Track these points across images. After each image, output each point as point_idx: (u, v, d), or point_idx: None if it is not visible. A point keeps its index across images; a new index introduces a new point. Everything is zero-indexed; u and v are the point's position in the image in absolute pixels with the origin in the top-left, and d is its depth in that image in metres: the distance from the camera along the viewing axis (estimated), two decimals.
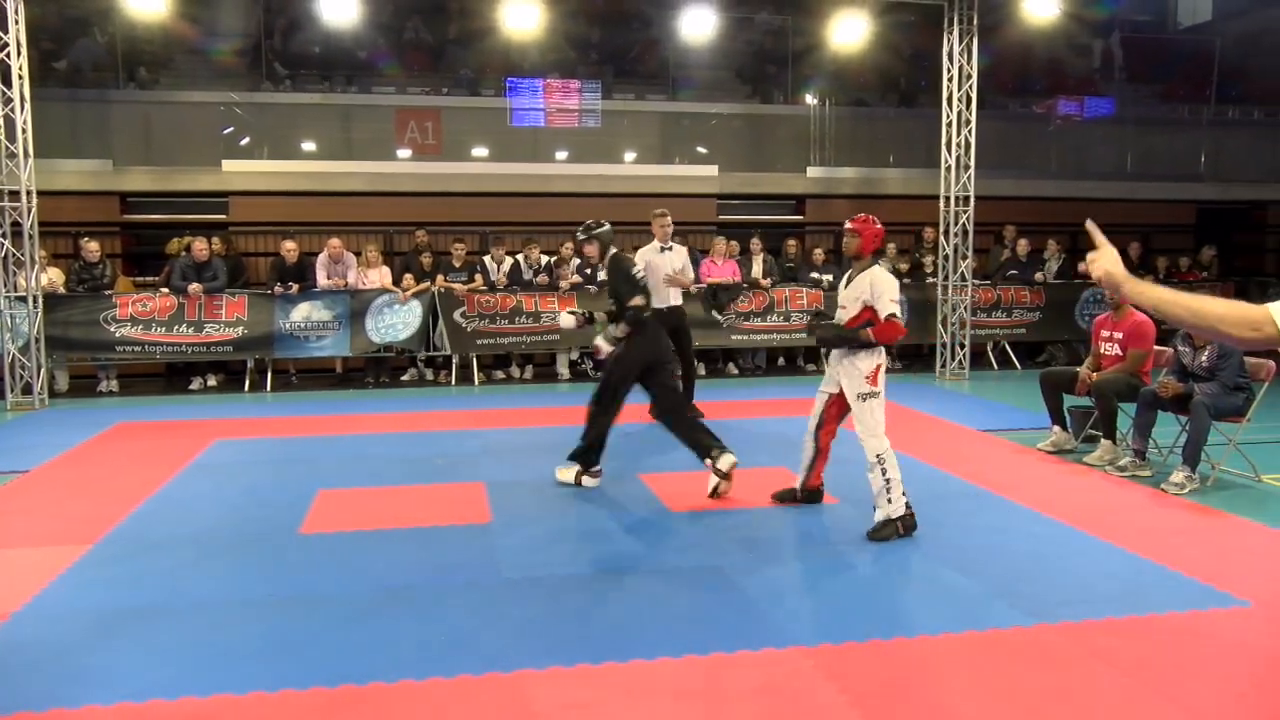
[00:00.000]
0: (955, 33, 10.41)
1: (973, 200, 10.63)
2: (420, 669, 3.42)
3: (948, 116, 10.60)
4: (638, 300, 5.77)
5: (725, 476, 5.61)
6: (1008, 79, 14.29)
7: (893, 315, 4.93)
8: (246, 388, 10.00)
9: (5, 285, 8.84)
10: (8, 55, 8.60)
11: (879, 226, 5.16)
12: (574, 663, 3.48)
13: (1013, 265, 11.75)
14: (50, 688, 3.30)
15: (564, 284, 10.41)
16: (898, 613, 3.99)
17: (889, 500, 4.93)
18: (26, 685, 3.32)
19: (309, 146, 12.23)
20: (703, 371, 10.67)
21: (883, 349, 5.08)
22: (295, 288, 9.96)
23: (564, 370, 10.78)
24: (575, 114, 12.14)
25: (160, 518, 5.35)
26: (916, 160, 12.67)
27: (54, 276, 9.62)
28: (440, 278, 10.32)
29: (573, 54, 13.20)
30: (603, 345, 5.94)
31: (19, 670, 3.45)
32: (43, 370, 9.09)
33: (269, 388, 10.03)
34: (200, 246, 9.76)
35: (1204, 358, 6.16)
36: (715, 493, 5.65)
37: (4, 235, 8.79)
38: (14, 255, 8.86)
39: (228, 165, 11.29)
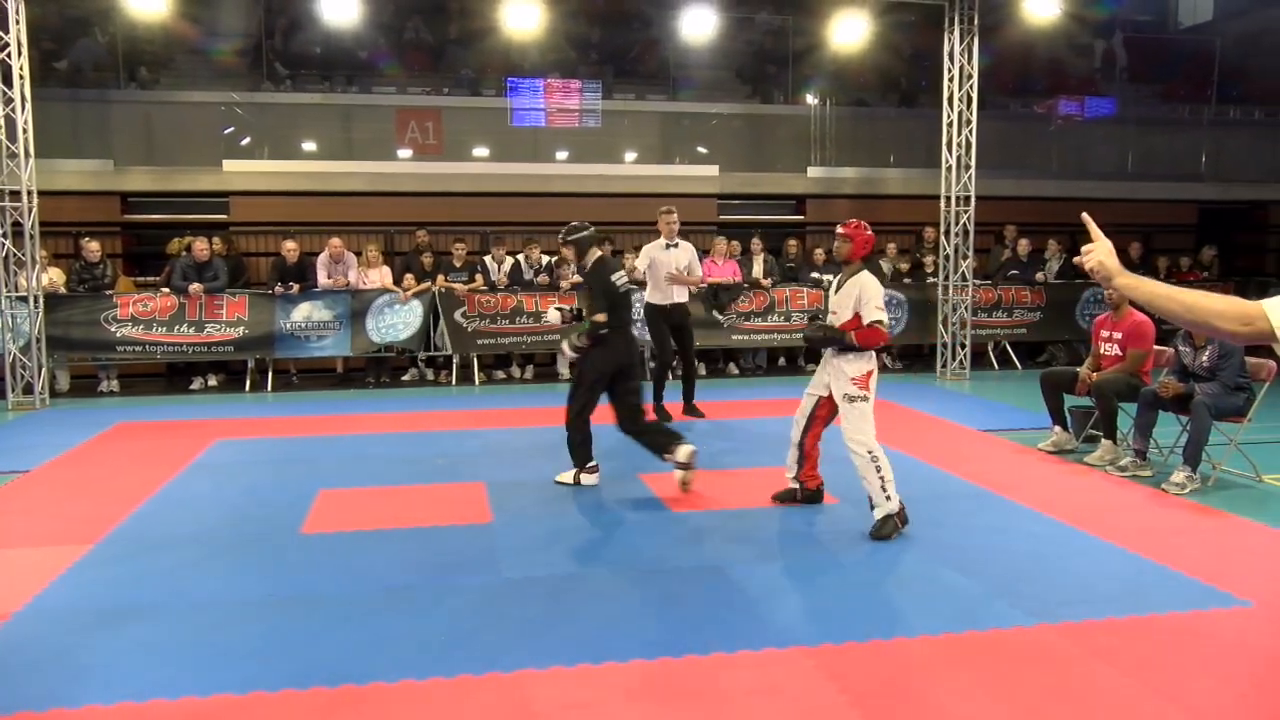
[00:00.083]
0: (956, 32, 10.41)
1: (973, 200, 10.63)
2: (421, 669, 3.42)
3: (948, 116, 10.59)
4: (601, 316, 5.75)
5: (686, 466, 5.66)
6: (1008, 79, 14.29)
7: (877, 322, 5.01)
8: (247, 388, 10.00)
9: (6, 285, 8.85)
10: (8, 55, 8.60)
11: (870, 233, 5.21)
12: (575, 662, 3.48)
13: (1013, 265, 11.75)
14: (51, 687, 3.31)
15: (564, 284, 10.42)
16: (899, 613, 3.98)
17: (887, 498, 4.96)
18: (27, 685, 3.33)
19: (310, 146, 12.23)
20: (703, 371, 10.68)
21: (874, 355, 5.14)
22: (296, 288, 9.96)
23: (564, 370, 10.78)
24: (576, 114, 12.14)
25: (161, 518, 5.35)
26: (917, 160, 12.67)
27: (55, 276, 9.63)
28: (441, 278, 10.33)
29: (573, 54, 13.20)
30: (566, 350, 5.99)
31: (20, 670, 3.45)
32: (43, 370, 9.09)
33: (270, 388, 10.04)
34: (201, 246, 9.76)
35: (1205, 358, 6.16)
36: (684, 485, 5.71)
37: (5, 235, 8.79)
38: (15, 255, 8.87)
39: (228, 165, 11.29)
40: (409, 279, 10.26)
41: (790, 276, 11.23)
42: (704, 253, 11.04)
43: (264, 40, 12.28)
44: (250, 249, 11.28)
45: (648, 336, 8.39)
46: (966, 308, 10.78)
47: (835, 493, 5.56)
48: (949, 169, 10.66)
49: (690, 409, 8.21)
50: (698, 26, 11.86)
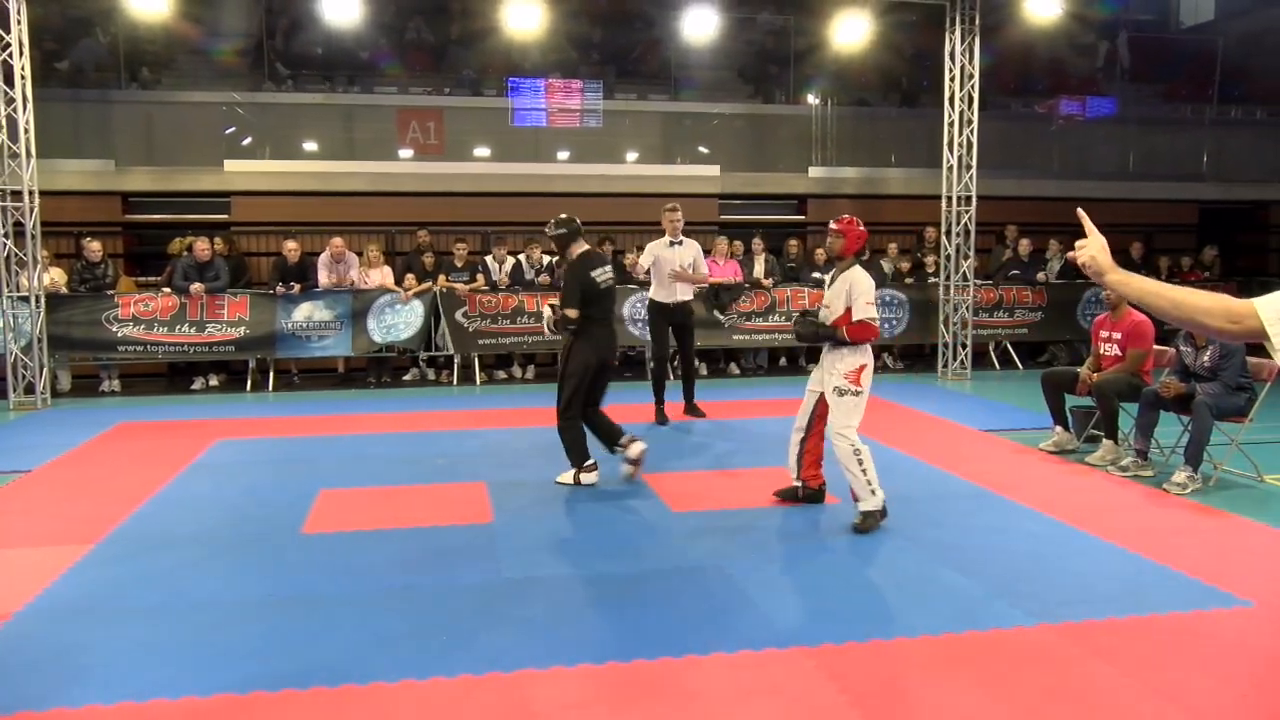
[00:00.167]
0: (957, 32, 10.40)
1: (975, 200, 10.63)
2: (422, 669, 3.43)
3: (950, 116, 10.59)
4: (572, 312, 5.79)
5: (635, 463, 5.97)
6: (1010, 79, 14.28)
7: (867, 319, 5.07)
8: (248, 388, 10.01)
9: (8, 285, 8.85)
10: (10, 55, 8.61)
11: (862, 229, 5.27)
12: (575, 663, 3.48)
13: (1015, 265, 11.74)
14: (52, 687, 3.31)
15: None
16: (899, 613, 3.98)
17: (872, 492, 5.06)
18: (28, 685, 3.33)
19: (311, 146, 12.24)
20: (704, 371, 10.68)
21: (869, 351, 5.17)
22: (297, 288, 9.96)
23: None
24: (577, 114, 12.14)
25: (162, 517, 5.36)
26: (918, 160, 12.66)
27: (56, 276, 9.63)
28: (442, 277, 10.33)
29: (574, 54, 13.20)
30: (547, 311, 6.22)
31: (21, 670, 3.45)
32: (45, 370, 9.09)
33: (271, 388, 10.04)
34: (202, 246, 9.77)
35: (1206, 358, 6.15)
36: (628, 478, 6.02)
37: (6, 235, 8.80)
38: (16, 255, 8.88)
39: (230, 165, 11.30)
40: (410, 279, 10.26)
41: (791, 276, 11.23)
42: (705, 252, 11.03)
43: (265, 40, 12.29)
44: (251, 249, 11.29)
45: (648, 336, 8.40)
46: (968, 308, 10.77)
47: (837, 493, 5.54)
48: (950, 169, 10.65)
49: (691, 409, 8.21)
50: (699, 26, 11.86)
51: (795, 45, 13.39)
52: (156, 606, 4.05)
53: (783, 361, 11.71)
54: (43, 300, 9.01)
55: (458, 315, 10.22)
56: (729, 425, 7.93)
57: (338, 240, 10.28)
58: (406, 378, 10.70)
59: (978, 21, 10.35)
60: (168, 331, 9.62)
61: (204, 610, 4.00)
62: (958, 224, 10.68)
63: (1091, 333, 7.10)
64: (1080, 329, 11.42)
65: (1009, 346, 11.70)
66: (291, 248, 10.17)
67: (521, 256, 10.68)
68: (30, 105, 8.82)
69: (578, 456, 5.98)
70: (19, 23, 8.62)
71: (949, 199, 10.70)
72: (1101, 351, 6.84)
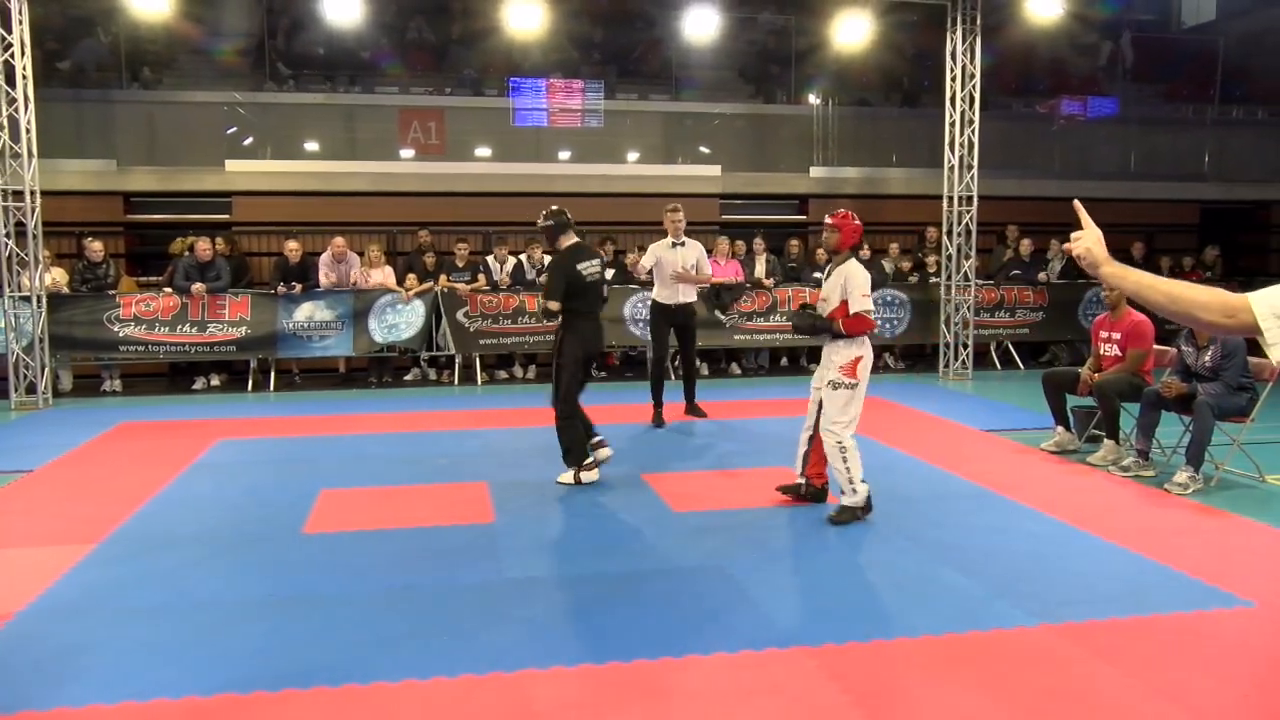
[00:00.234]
0: (958, 32, 10.40)
1: (976, 200, 10.62)
2: (423, 668, 3.43)
3: (951, 116, 10.59)
4: (554, 305, 5.87)
5: (597, 464, 6.09)
6: (1011, 79, 14.27)
7: (863, 311, 5.13)
8: (250, 387, 10.01)
9: (9, 285, 8.86)
10: (12, 55, 8.61)
11: (857, 223, 5.34)
12: (577, 663, 3.48)
13: (1016, 265, 11.74)
14: (54, 687, 3.31)
15: None
16: (901, 613, 3.98)
17: (854, 490, 5.15)
18: (30, 684, 3.33)
19: (312, 146, 12.24)
20: (705, 371, 10.69)
21: (866, 343, 5.21)
22: (298, 287, 9.97)
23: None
24: (578, 114, 12.14)
25: (163, 517, 5.36)
26: (920, 160, 12.66)
27: (58, 276, 9.63)
28: (443, 277, 10.33)
29: (575, 54, 13.20)
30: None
31: (23, 669, 3.46)
32: (46, 370, 9.10)
33: (272, 387, 10.04)
34: (204, 246, 9.77)
35: (1208, 358, 6.15)
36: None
37: (8, 235, 8.80)
38: (18, 255, 8.88)
39: (231, 165, 11.30)
40: (411, 279, 10.27)
41: (792, 276, 11.22)
42: (707, 252, 11.04)
43: (267, 40, 12.29)
44: (253, 249, 11.29)
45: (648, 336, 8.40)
46: (969, 308, 10.77)
47: (838, 493, 5.54)
48: (951, 169, 10.65)
49: (692, 409, 8.21)
50: (700, 26, 11.86)
51: (796, 45, 13.39)
52: (158, 606, 4.05)
53: (784, 361, 11.71)
54: (44, 300, 9.02)
55: (459, 315, 10.23)
56: (730, 425, 7.93)
57: (339, 240, 10.28)
58: (408, 378, 10.70)
59: (979, 21, 10.34)
60: (169, 331, 9.62)
61: (205, 610, 4.00)
62: (959, 224, 10.67)
63: (1091, 333, 7.10)
64: (1081, 329, 11.41)
65: (1010, 346, 11.69)
66: (293, 248, 10.17)
67: (523, 256, 10.68)
68: (32, 105, 8.82)
69: (577, 455, 5.99)
70: (20, 23, 8.62)
71: (950, 199, 10.70)
72: (1101, 352, 6.84)
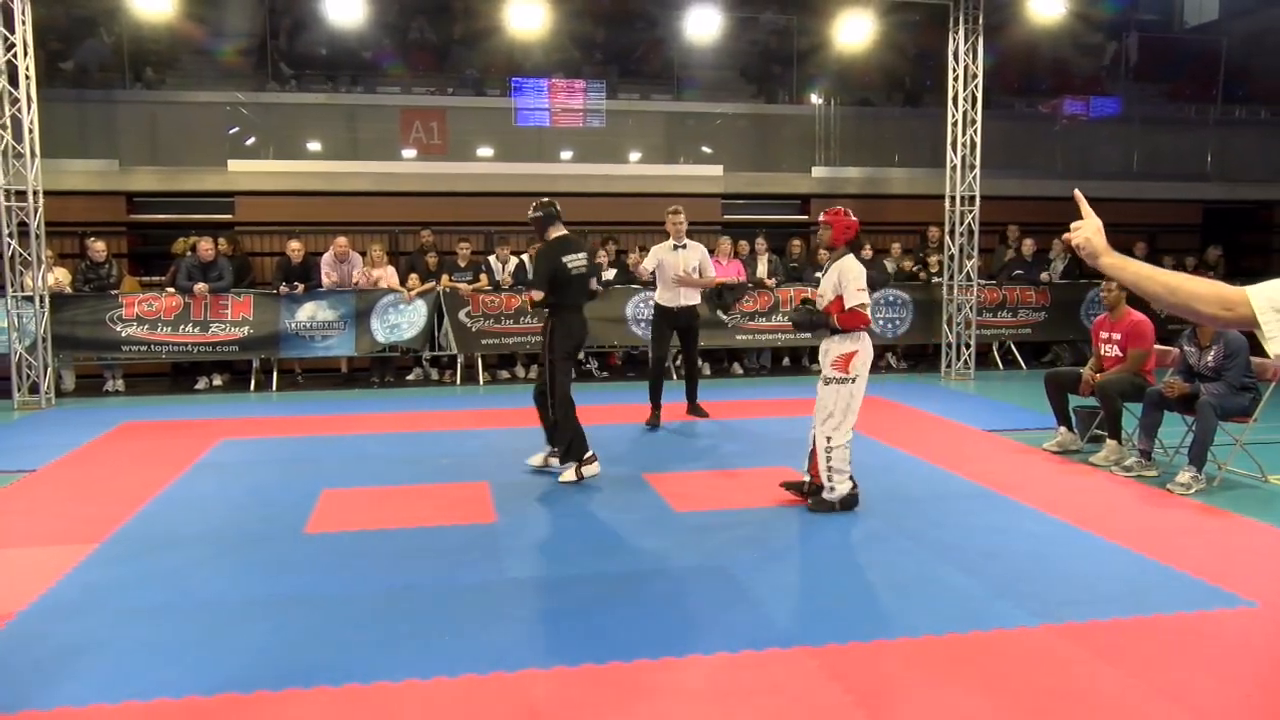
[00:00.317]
0: (960, 32, 10.39)
1: (978, 200, 10.62)
2: (425, 668, 3.43)
3: (953, 116, 10.58)
4: (535, 295, 5.97)
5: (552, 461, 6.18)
6: (1013, 78, 14.25)
7: (858, 305, 5.17)
8: (252, 387, 10.02)
9: (12, 285, 8.87)
10: (15, 55, 8.63)
11: (852, 219, 5.39)
12: (578, 663, 3.48)
13: (1018, 265, 11.73)
14: (56, 686, 3.31)
15: None
16: (902, 613, 3.97)
17: (832, 488, 5.27)
18: (32, 684, 3.33)
19: (314, 146, 12.25)
20: (707, 371, 10.69)
21: (864, 339, 5.24)
22: (301, 287, 9.97)
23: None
24: (580, 114, 12.14)
25: (166, 517, 5.37)
26: (922, 160, 12.65)
27: (60, 276, 9.65)
28: (445, 277, 10.34)
29: (577, 54, 13.20)
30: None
31: (25, 669, 3.46)
32: (49, 370, 9.11)
33: (274, 387, 10.05)
34: (206, 246, 9.78)
35: (1210, 358, 6.14)
36: (535, 467, 6.30)
37: (11, 235, 8.82)
38: (21, 255, 8.90)
39: (233, 165, 11.32)
40: (413, 279, 10.27)
41: (794, 276, 11.22)
42: (709, 252, 11.04)
43: (269, 40, 12.31)
44: (255, 249, 11.30)
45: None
46: (971, 308, 10.76)
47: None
48: (954, 169, 10.64)
49: (694, 409, 8.20)
50: (702, 26, 11.87)
51: (798, 45, 13.39)
52: (160, 606, 4.05)
53: (786, 361, 11.70)
54: (47, 300, 9.03)
55: (461, 315, 10.23)
56: (732, 425, 7.92)
57: (341, 240, 10.30)
58: (410, 377, 10.71)
59: (981, 21, 10.34)
60: (171, 331, 9.64)
61: (207, 610, 4.00)
62: (961, 224, 10.66)
63: (1091, 334, 7.09)
64: (1084, 329, 11.39)
65: (1012, 346, 11.69)
66: (295, 247, 10.18)
67: (525, 256, 10.67)
68: (35, 105, 8.84)
69: (577, 451, 5.99)
70: (23, 23, 8.64)
71: (952, 199, 10.69)
72: (1102, 352, 6.83)
